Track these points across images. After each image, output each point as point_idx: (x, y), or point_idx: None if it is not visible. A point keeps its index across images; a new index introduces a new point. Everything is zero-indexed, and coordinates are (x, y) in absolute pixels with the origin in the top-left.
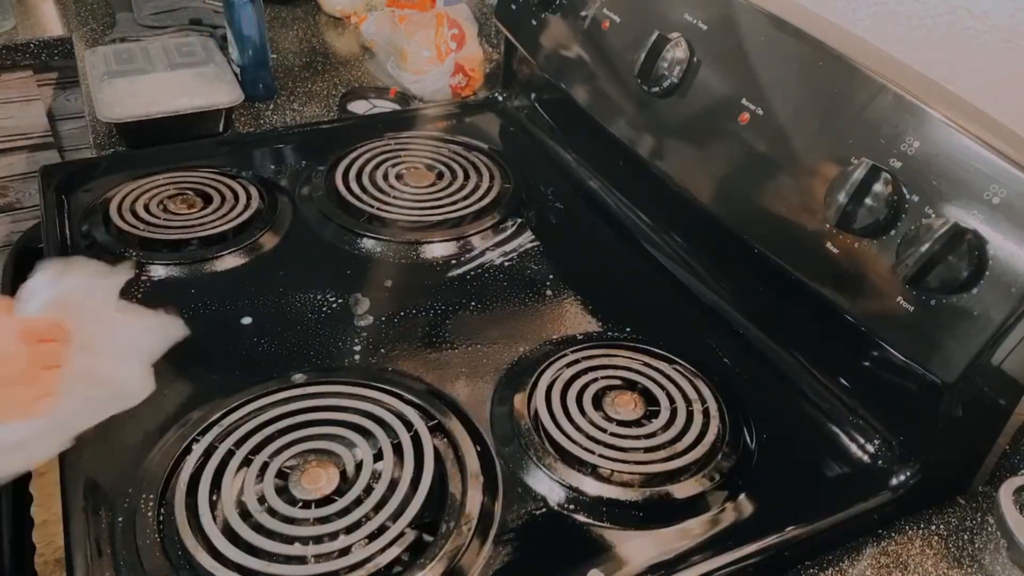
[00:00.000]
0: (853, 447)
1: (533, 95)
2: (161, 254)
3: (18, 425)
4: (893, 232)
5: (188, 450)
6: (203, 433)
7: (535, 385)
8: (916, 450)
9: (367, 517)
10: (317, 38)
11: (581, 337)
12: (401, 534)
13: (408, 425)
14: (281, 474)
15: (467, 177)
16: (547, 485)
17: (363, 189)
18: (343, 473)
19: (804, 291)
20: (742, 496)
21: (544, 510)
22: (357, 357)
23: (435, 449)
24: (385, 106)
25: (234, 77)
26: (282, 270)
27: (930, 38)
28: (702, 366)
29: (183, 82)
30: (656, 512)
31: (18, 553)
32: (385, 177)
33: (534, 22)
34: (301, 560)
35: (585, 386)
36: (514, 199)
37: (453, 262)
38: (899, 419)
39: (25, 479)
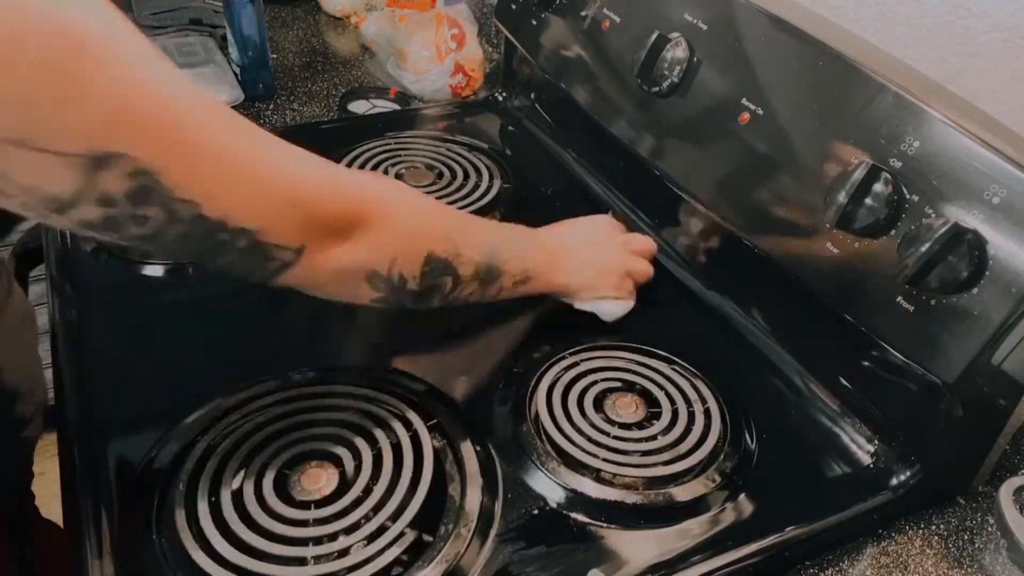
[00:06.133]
0: (853, 447)
1: (533, 95)
2: None
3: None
4: (893, 232)
5: (187, 450)
6: (202, 433)
7: (535, 387)
8: (916, 450)
9: (366, 518)
10: (317, 38)
11: (581, 338)
12: (401, 535)
13: (407, 425)
14: (280, 475)
15: (467, 177)
16: (547, 485)
17: None
18: (342, 474)
19: (804, 291)
20: (742, 496)
21: (544, 510)
22: (356, 357)
23: (434, 449)
24: (385, 106)
25: (234, 77)
26: None
27: (930, 38)
28: (702, 366)
29: None
30: (656, 513)
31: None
32: None
33: (534, 22)
34: (300, 561)
35: (586, 388)
36: (514, 199)
37: None
38: (899, 419)
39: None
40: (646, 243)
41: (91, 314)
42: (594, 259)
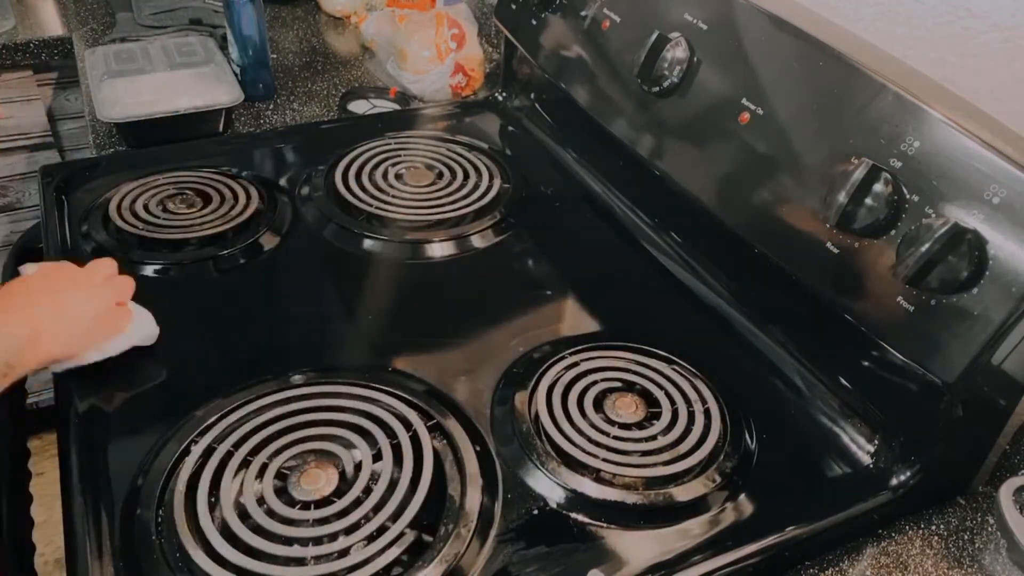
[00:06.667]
0: (853, 447)
1: (533, 95)
2: (160, 254)
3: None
4: (893, 232)
5: (187, 451)
6: (202, 434)
7: (535, 387)
8: (916, 450)
9: (366, 518)
10: (317, 38)
11: (581, 338)
12: (400, 535)
13: (407, 425)
14: (280, 475)
15: (467, 177)
16: (547, 485)
17: (363, 189)
18: (342, 474)
19: (804, 291)
20: (742, 496)
21: (544, 510)
22: (356, 358)
23: (434, 450)
24: (385, 106)
25: (234, 77)
26: (281, 270)
27: (930, 38)
28: (702, 366)
29: (183, 82)
30: (656, 513)
31: (19, 553)
32: (385, 177)
33: (534, 22)
34: (300, 561)
35: (586, 388)
36: (514, 199)
37: (453, 262)
38: (899, 419)
39: (25, 480)
40: (108, 264)
41: None
42: (77, 311)
